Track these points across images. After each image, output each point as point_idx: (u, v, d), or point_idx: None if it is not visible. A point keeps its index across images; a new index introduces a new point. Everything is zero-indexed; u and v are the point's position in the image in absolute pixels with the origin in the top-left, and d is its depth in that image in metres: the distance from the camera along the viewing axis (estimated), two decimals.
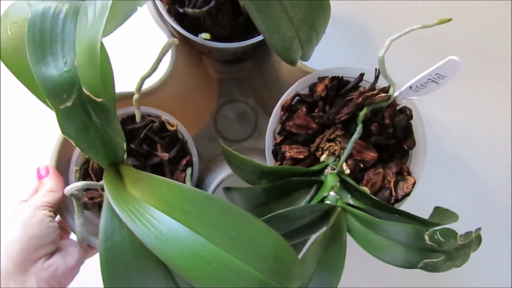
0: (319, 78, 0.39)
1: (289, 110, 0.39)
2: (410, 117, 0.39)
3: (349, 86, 0.38)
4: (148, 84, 0.43)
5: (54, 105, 0.29)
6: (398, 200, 0.37)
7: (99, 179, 0.38)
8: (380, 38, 0.59)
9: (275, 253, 0.27)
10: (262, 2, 0.32)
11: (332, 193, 0.35)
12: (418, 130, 0.39)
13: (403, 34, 0.33)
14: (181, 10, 0.43)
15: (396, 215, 0.32)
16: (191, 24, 0.44)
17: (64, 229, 0.39)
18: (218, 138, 0.60)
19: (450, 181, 0.59)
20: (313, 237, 0.34)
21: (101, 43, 0.29)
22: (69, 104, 0.29)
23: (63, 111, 0.29)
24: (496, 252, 0.57)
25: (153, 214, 0.27)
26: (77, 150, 0.39)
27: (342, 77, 0.39)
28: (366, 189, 0.36)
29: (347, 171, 0.36)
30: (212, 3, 0.42)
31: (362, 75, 0.38)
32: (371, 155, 0.37)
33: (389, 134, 0.38)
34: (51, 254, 0.34)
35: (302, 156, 0.38)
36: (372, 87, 0.37)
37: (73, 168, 0.39)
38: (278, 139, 0.39)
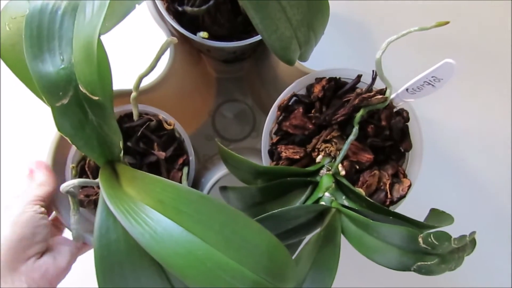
0: (316, 79, 0.39)
1: (286, 110, 0.39)
2: (407, 119, 0.39)
3: (346, 87, 0.38)
4: (146, 82, 0.43)
5: (50, 102, 0.29)
6: (393, 202, 0.37)
7: (95, 176, 0.38)
8: (380, 38, 0.59)
9: (269, 254, 0.27)
10: (260, 2, 0.32)
11: (327, 194, 0.35)
12: (414, 132, 0.39)
13: (401, 36, 0.33)
14: (180, 9, 0.43)
15: (391, 217, 0.32)
16: (190, 22, 0.44)
17: (56, 226, 0.39)
18: (216, 137, 0.60)
19: (450, 182, 0.59)
20: (308, 237, 0.34)
21: (99, 41, 0.29)
22: (65, 101, 0.29)
23: (59, 109, 0.29)
24: (496, 253, 0.58)
25: (148, 213, 0.27)
26: (74, 147, 0.39)
27: (339, 78, 0.39)
28: (361, 191, 0.36)
29: (343, 172, 0.37)
30: (211, 2, 0.42)
31: (359, 76, 0.38)
32: (367, 156, 0.37)
33: (386, 136, 0.38)
34: (41, 254, 0.34)
35: (298, 157, 0.38)
36: (369, 88, 0.37)
37: (70, 165, 0.39)
38: (275, 139, 0.39)
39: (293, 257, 0.34)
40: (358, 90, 0.37)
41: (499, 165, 0.59)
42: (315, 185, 0.36)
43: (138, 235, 0.26)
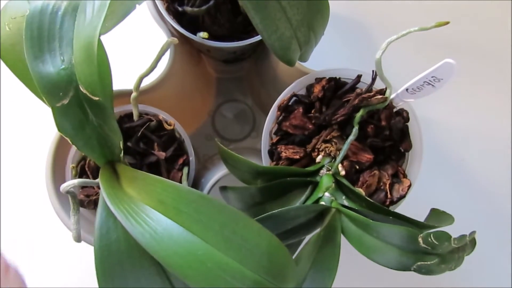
0: (316, 79, 0.39)
1: (286, 110, 0.39)
2: (407, 119, 0.39)
3: (346, 87, 0.38)
4: (147, 82, 0.43)
5: (50, 102, 0.29)
6: (393, 202, 0.37)
7: (95, 176, 0.38)
8: (380, 38, 0.59)
9: (269, 254, 0.27)
10: (260, 2, 0.32)
11: (327, 194, 0.35)
12: (414, 132, 0.39)
13: (401, 36, 0.33)
14: (180, 9, 0.43)
15: (391, 217, 0.32)
16: (190, 22, 0.44)
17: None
18: (216, 137, 0.60)
19: (450, 182, 0.59)
20: (308, 237, 0.34)
21: (99, 41, 0.29)
22: (65, 102, 0.29)
23: (59, 109, 0.29)
24: (496, 253, 0.58)
25: (148, 213, 0.27)
26: (74, 148, 0.39)
27: (339, 78, 0.39)
28: (361, 191, 0.36)
29: (343, 173, 0.37)
30: (211, 2, 0.42)
31: (359, 76, 0.39)
32: (366, 157, 0.37)
33: (385, 136, 0.38)
34: None
35: (298, 157, 0.38)
36: (369, 89, 0.37)
37: (70, 165, 0.39)
38: (275, 139, 0.39)
39: (293, 257, 0.34)
40: (358, 90, 0.37)
41: (499, 165, 0.59)
42: (315, 185, 0.36)
43: (139, 235, 0.26)
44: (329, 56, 0.58)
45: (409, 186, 0.37)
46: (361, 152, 0.37)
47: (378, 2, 0.59)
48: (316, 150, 0.38)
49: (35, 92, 0.32)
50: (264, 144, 0.39)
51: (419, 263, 0.30)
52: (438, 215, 0.34)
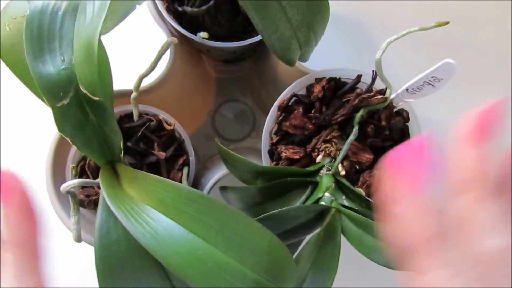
0: (316, 79, 0.39)
1: (286, 110, 0.39)
2: (407, 119, 0.39)
3: (346, 87, 0.39)
4: (146, 82, 0.43)
5: (50, 103, 0.29)
6: None
7: (95, 176, 0.38)
8: (380, 38, 0.59)
9: (270, 253, 0.27)
10: (260, 2, 0.32)
11: (327, 194, 0.35)
12: (414, 132, 0.39)
13: (401, 36, 0.33)
14: (180, 9, 0.43)
15: None
16: (190, 22, 0.44)
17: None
18: (216, 137, 0.60)
19: None
20: (308, 237, 0.34)
21: (99, 41, 0.29)
22: (66, 102, 0.29)
23: (59, 109, 0.29)
24: None
25: (148, 213, 0.27)
26: (74, 148, 0.39)
27: (339, 78, 0.39)
28: (361, 191, 0.36)
29: (343, 173, 0.37)
30: (211, 2, 0.42)
31: (359, 76, 0.39)
32: (366, 157, 0.37)
33: (385, 136, 0.38)
34: None
35: (298, 157, 0.38)
36: (369, 89, 0.37)
37: (70, 165, 0.39)
38: (275, 139, 0.39)
39: (293, 257, 0.34)
40: (358, 90, 0.37)
41: None
42: (315, 185, 0.36)
43: (139, 235, 0.26)
44: (329, 56, 0.58)
45: None
46: (361, 152, 0.37)
47: (378, 2, 0.60)
48: (316, 150, 0.38)
49: (35, 92, 0.32)
50: (264, 144, 0.39)
51: None
52: None
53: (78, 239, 0.36)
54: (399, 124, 0.38)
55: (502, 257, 0.16)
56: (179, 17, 0.44)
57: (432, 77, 0.32)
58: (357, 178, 0.38)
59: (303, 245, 0.35)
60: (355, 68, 0.39)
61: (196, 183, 0.46)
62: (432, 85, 0.33)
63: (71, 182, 0.34)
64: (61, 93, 0.29)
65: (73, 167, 0.39)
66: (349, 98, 0.37)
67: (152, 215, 0.27)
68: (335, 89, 0.39)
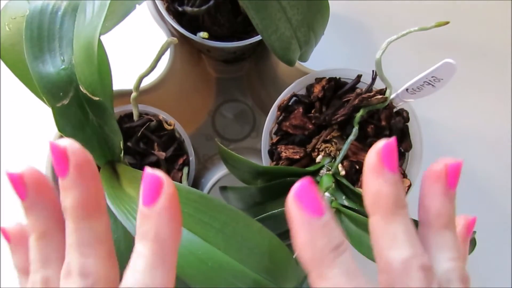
0: (316, 79, 0.39)
1: (286, 110, 0.39)
2: (407, 119, 0.39)
3: (346, 87, 0.39)
4: (146, 82, 0.43)
5: (50, 103, 0.29)
6: None
7: None
8: (380, 38, 0.59)
9: (270, 253, 0.27)
10: (260, 2, 0.32)
11: (327, 194, 0.35)
12: (414, 132, 0.39)
13: (401, 36, 0.33)
14: (180, 9, 0.43)
15: None
16: (190, 22, 0.44)
17: None
18: (216, 137, 0.60)
19: None
20: None
21: (99, 41, 0.29)
22: (65, 102, 0.29)
23: (59, 109, 0.29)
24: (496, 253, 0.58)
25: None
26: None
27: (339, 78, 0.39)
28: (361, 191, 0.36)
29: (343, 172, 0.37)
30: (211, 2, 0.42)
31: (359, 76, 0.39)
32: None
33: (385, 136, 0.38)
34: None
35: (298, 157, 0.38)
36: (369, 89, 0.37)
37: None
38: (275, 139, 0.39)
39: (294, 257, 0.34)
40: (358, 90, 0.37)
41: (499, 165, 0.59)
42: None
43: None
44: (329, 56, 0.58)
45: (409, 186, 0.37)
46: (361, 152, 0.37)
47: (378, 2, 0.60)
48: (316, 150, 0.38)
49: (35, 92, 0.32)
50: (264, 144, 0.39)
51: None
52: None
53: None
54: (399, 124, 0.38)
55: (406, 266, 0.20)
56: (179, 17, 0.44)
57: (432, 77, 0.32)
58: (357, 178, 0.38)
59: None
60: (355, 68, 0.39)
61: (196, 183, 0.46)
62: (432, 85, 0.33)
63: None
64: (61, 93, 0.29)
65: None
66: (349, 98, 0.37)
67: None
68: (335, 89, 0.39)
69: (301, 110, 0.38)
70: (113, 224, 0.29)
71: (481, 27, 0.60)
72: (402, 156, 0.40)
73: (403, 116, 0.39)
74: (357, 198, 0.35)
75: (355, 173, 0.38)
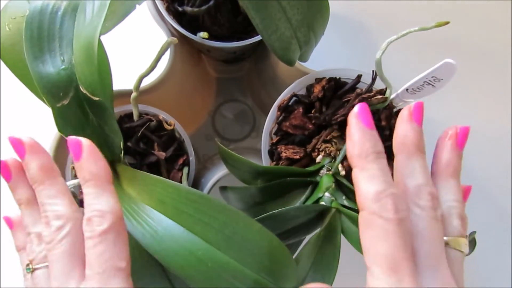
0: (316, 79, 0.39)
1: (286, 110, 0.39)
2: None
3: (346, 87, 0.38)
4: (146, 82, 0.43)
5: (50, 103, 0.29)
6: None
7: None
8: (380, 38, 0.59)
9: (270, 253, 0.27)
10: (260, 2, 0.32)
11: (327, 194, 0.35)
12: None
13: (401, 36, 0.33)
14: (180, 9, 0.43)
15: None
16: (190, 22, 0.44)
17: None
18: (216, 137, 0.60)
19: None
20: (308, 237, 0.34)
21: (99, 41, 0.29)
22: (66, 102, 0.29)
23: (59, 109, 0.29)
24: (496, 253, 0.58)
25: (148, 213, 0.27)
26: None
27: (339, 78, 0.39)
28: None
29: (343, 173, 0.37)
30: (211, 2, 0.42)
31: (359, 76, 0.39)
32: None
33: (385, 136, 0.38)
34: None
35: (298, 157, 0.38)
36: (369, 89, 0.37)
37: (70, 165, 0.39)
38: (275, 139, 0.39)
39: (293, 257, 0.34)
40: (358, 90, 0.37)
41: (499, 165, 0.59)
42: (315, 185, 0.36)
43: (139, 235, 0.26)
44: (329, 56, 0.58)
45: None
46: None
47: (378, 2, 0.59)
48: (316, 150, 0.38)
49: (35, 92, 0.32)
50: (264, 144, 0.39)
51: None
52: None
53: None
54: None
55: (420, 189, 0.25)
56: (179, 17, 0.44)
57: (432, 77, 0.32)
58: None
59: (303, 245, 0.35)
60: (355, 68, 0.39)
61: (196, 183, 0.46)
62: (432, 85, 0.33)
63: (71, 182, 0.34)
64: (61, 93, 0.29)
65: (73, 167, 0.39)
66: (349, 98, 0.37)
67: (152, 215, 0.27)
68: (335, 89, 0.39)
69: (301, 110, 0.38)
70: None
71: (481, 27, 0.60)
72: None
73: None
74: None
75: None
